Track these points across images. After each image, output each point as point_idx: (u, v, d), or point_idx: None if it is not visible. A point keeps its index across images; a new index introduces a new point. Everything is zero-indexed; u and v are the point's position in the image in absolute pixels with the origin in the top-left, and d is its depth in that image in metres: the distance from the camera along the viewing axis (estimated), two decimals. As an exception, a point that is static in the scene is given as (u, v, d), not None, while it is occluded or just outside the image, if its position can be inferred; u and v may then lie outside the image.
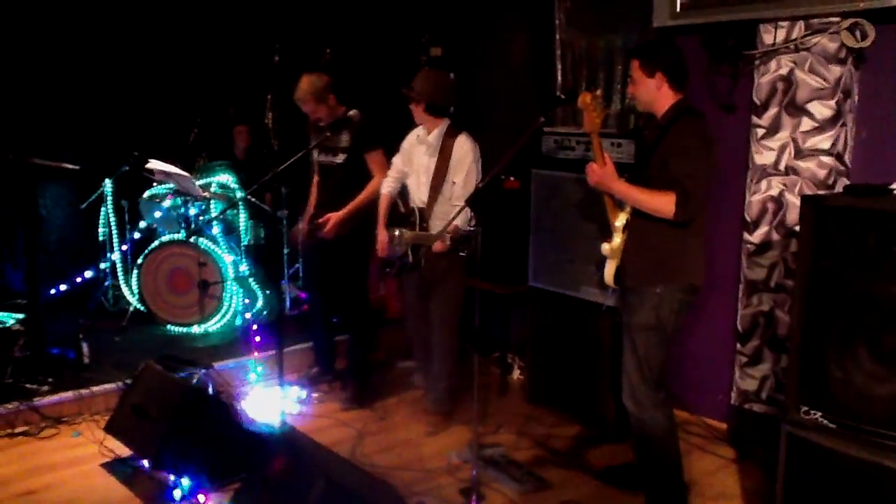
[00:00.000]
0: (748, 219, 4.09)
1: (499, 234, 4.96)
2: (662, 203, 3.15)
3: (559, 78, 5.18)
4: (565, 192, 4.41)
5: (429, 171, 4.21)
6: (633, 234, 3.38)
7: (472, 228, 3.61)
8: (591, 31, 4.99)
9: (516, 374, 5.15)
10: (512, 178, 5.21)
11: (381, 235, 4.33)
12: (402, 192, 4.43)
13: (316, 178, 4.79)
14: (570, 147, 4.46)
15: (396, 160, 4.42)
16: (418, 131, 4.33)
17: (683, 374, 4.42)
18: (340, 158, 4.54)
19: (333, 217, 4.48)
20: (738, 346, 4.18)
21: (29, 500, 3.61)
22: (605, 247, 3.47)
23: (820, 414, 2.79)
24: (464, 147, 4.15)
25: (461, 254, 3.62)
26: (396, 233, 4.20)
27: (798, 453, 2.85)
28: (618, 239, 3.42)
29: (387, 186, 4.42)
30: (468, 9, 5.85)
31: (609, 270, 3.48)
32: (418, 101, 4.15)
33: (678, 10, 4.13)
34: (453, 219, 3.70)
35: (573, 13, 5.07)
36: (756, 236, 4.06)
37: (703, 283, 3.37)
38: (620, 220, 3.41)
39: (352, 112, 4.43)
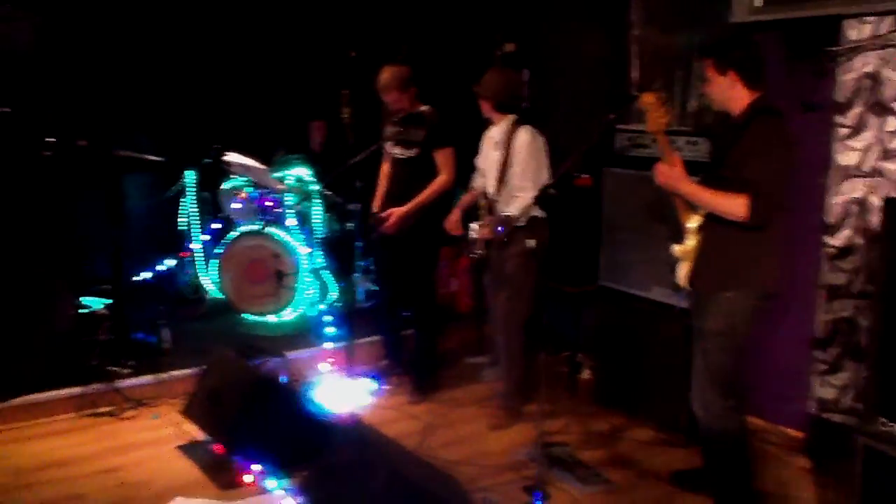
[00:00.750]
0: (829, 222, 3.96)
1: (570, 232, 4.94)
2: (734, 205, 3.08)
3: (634, 75, 5.11)
4: (638, 191, 4.36)
5: (497, 166, 4.28)
6: (705, 237, 3.32)
7: (522, 223, 3.74)
8: (668, 28, 4.91)
9: (586, 373, 5.10)
10: (584, 176, 5.17)
11: (454, 214, 4.48)
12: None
13: (386, 169, 4.84)
14: (643, 145, 4.40)
15: (478, 159, 4.56)
16: (491, 128, 4.41)
17: (760, 382, 4.30)
18: (412, 152, 4.58)
19: (396, 212, 4.54)
20: (818, 353, 4.06)
21: (109, 477, 3.78)
22: (678, 249, 3.42)
23: (898, 426, 2.70)
24: (521, 138, 4.22)
25: (505, 240, 3.78)
26: (473, 226, 4.37)
27: (874, 466, 2.76)
28: (691, 241, 3.37)
29: (475, 181, 4.57)
30: (542, 5, 5.82)
31: (682, 272, 3.43)
32: (486, 99, 4.27)
33: (758, 5, 4.02)
34: (505, 209, 3.86)
35: (650, 9, 4.99)
36: (837, 240, 3.93)
37: (779, 289, 3.29)
38: (693, 222, 3.35)
39: (425, 108, 4.48)
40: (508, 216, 4.10)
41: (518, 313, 4.33)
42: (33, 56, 5.08)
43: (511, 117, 4.30)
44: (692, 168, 3.31)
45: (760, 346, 4.23)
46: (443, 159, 4.51)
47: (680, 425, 4.16)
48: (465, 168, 4.62)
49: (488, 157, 4.40)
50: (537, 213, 4.16)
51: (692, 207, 3.36)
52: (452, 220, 4.49)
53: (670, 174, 3.26)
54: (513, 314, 4.34)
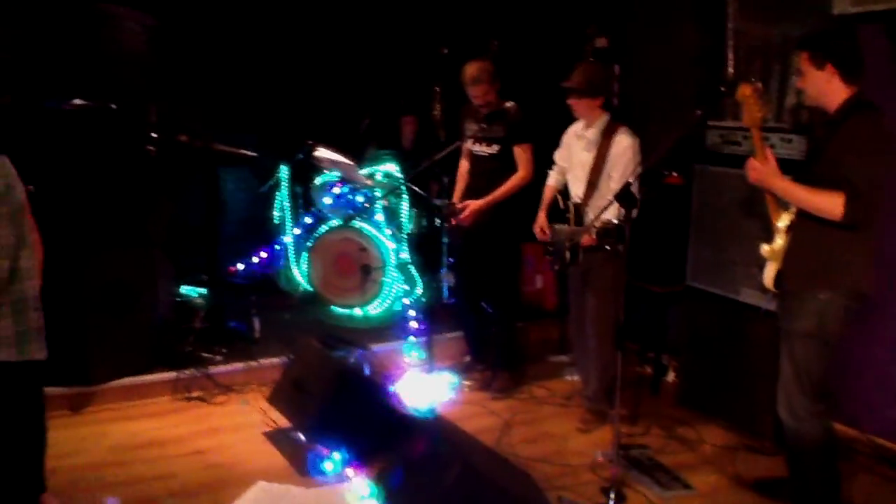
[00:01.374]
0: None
1: (657, 230, 4.85)
2: (829, 203, 2.96)
3: (730, 69, 4.96)
4: (729, 190, 4.24)
5: (586, 167, 4.15)
6: (796, 235, 3.20)
7: (617, 222, 3.52)
8: (767, 21, 4.74)
9: (671, 375, 5.00)
10: (674, 174, 5.06)
11: (540, 219, 4.35)
12: (565, 189, 4.41)
13: (465, 166, 4.86)
14: (735, 142, 4.28)
15: (557, 154, 4.44)
16: (577, 126, 4.30)
17: (852, 388, 4.12)
18: (493, 149, 4.59)
19: (472, 205, 4.55)
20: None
21: (198, 458, 3.95)
22: (766, 248, 3.32)
23: None
24: (623, 143, 4.06)
25: (606, 248, 3.56)
26: (556, 227, 4.22)
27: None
28: (780, 240, 3.26)
29: (552, 178, 4.47)
30: (635, -1, 5.73)
31: (769, 273, 3.33)
32: (585, 95, 4.10)
33: (862, -5, 3.85)
34: (601, 213, 3.66)
35: (746, 2, 4.83)
36: (940, 242, 3.72)
37: (872, 291, 3.14)
38: (783, 221, 3.25)
39: (509, 104, 4.47)
40: (609, 222, 3.63)
41: (611, 317, 4.12)
42: (144, 56, 5.32)
43: (606, 116, 4.17)
44: (786, 166, 3.20)
45: (853, 351, 4.06)
46: (522, 155, 4.49)
47: (766, 431, 4.03)
48: (545, 165, 4.59)
49: (575, 156, 4.29)
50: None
51: (783, 206, 3.25)
52: (540, 223, 4.36)
53: (763, 170, 3.17)
54: (606, 318, 4.18)
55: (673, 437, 4.24)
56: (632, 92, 5.70)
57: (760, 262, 3.41)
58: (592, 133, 4.17)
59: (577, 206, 4.19)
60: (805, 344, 3.18)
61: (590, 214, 4.11)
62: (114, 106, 4.82)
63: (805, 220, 3.13)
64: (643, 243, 4.80)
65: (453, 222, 4.67)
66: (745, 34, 4.87)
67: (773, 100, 4.49)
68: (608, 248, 3.55)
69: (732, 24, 4.92)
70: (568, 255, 4.13)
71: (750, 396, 4.15)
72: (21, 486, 3.21)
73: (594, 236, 3.68)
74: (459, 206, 4.66)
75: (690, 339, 4.57)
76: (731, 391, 4.28)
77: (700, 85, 5.17)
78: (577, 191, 4.24)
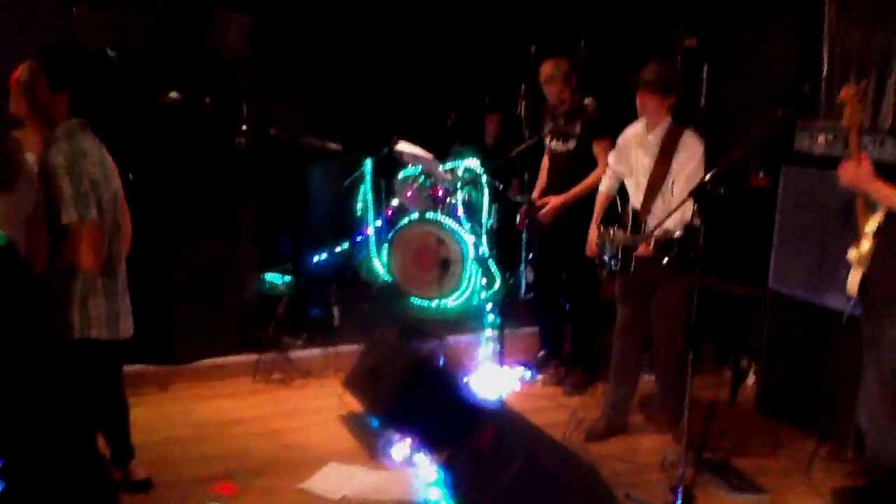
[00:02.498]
0: None
1: (742, 231, 4.75)
2: None
3: (825, 71, 4.82)
4: (817, 192, 4.11)
5: (647, 171, 3.92)
6: (885, 240, 3.11)
7: (680, 234, 3.37)
8: (865, 25, 4.59)
9: (751, 380, 4.88)
10: (762, 175, 4.94)
11: (592, 233, 4.16)
12: (623, 193, 4.21)
13: (546, 163, 4.86)
14: (826, 143, 4.15)
15: (611, 158, 4.22)
16: (635, 128, 4.05)
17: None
18: (571, 145, 4.59)
19: (553, 200, 4.56)
20: None
21: (276, 437, 4.10)
22: (853, 253, 3.24)
23: None
24: (690, 147, 3.82)
25: (664, 261, 3.41)
26: (611, 232, 3.93)
27: None
28: (867, 245, 3.18)
29: (604, 184, 4.27)
30: (726, -1, 5.63)
31: (853, 279, 3.25)
32: (651, 91, 3.85)
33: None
34: (663, 221, 3.54)
35: (845, 5, 4.68)
36: None
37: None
38: (871, 225, 3.16)
39: (587, 100, 4.46)
40: (670, 231, 3.51)
41: (681, 330, 3.94)
42: (242, 54, 5.54)
43: (668, 118, 3.90)
44: (878, 170, 3.11)
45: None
46: (601, 150, 4.45)
47: (847, 440, 3.90)
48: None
49: (635, 160, 4.03)
50: (695, 221, 3.60)
51: (873, 209, 3.17)
52: (592, 239, 4.13)
53: (858, 173, 3.09)
54: (677, 331, 3.98)
55: (749, 442, 4.16)
56: (722, 93, 5.60)
57: (846, 267, 3.32)
58: (655, 136, 3.91)
59: (635, 212, 3.94)
60: (892, 353, 3.08)
61: (649, 223, 3.85)
62: (207, 100, 5.05)
63: (894, 224, 3.04)
64: (727, 243, 4.74)
65: (534, 217, 4.67)
66: (842, 39, 4.73)
67: (870, 104, 4.35)
68: (666, 260, 3.39)
69: (829, 29, 4.78)
70: (616, 262, 3.87)
71: (831, 404, 4.02)
72: (111, 451, 3.42)
73: (651, 246, 3.55)
74: (539, 202, 4.67)
75: (771, 343, 4.45)
76: (813, 398, 4.16)
77: (790, 87, 5.05)
78: (637, 196, 3.99)
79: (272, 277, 5.81)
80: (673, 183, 3.83)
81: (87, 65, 3.26)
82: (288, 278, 5.76)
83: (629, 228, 3.93)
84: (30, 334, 2.73)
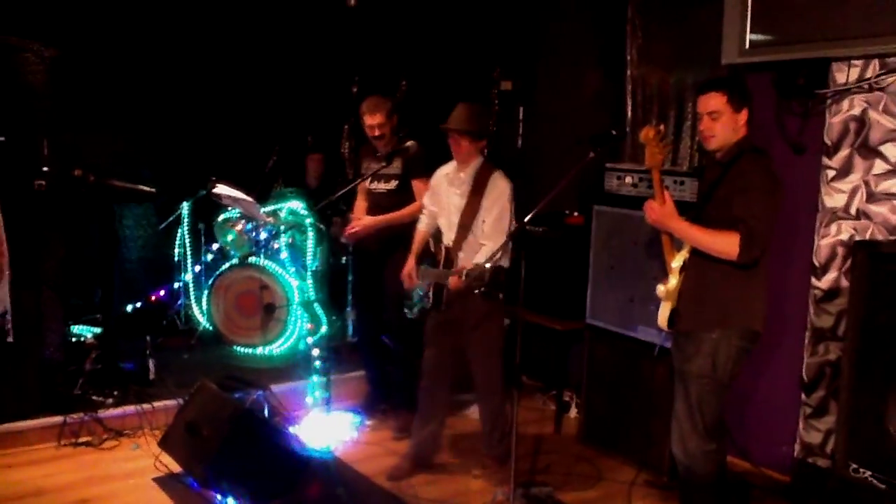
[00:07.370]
0: (816, 264, 3.93)
1: (559, 269, 4.93)
2: (726, 243, 3.05)
3: (629, 114, 5.12)
4: (626, 230, 4.33)
5: (459, 209, 4.02)
6: (690, 275, 3.28)
7: (490, 266, 3.43)
8: (663, 67, 4.92)
9: (573, 412, 5.05)
10: (576, 214, 5.17)
11: (408, 266, 4.19)
12: (435, 232, 4.27)
13: (361, 204, 4.84)
14: (632, 184, 4.39)
15: (426, 199, 4.31)
16: (446, 169, 4.15)
17: (746, 424, 4.25)
18: (391, 185, 4.61)
19: (364, 220, 4.61)
20: (804, 396, 4.00)
21: (82, 509, 3.75)
22: (661, 289, 3.37)
23: (870, 473, 2.63)
24: (499, 186, 3.95)
25: (476, 291, 3.47)
26: (422, 269, 4.07)
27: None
28: (673, 280, 3.32)
29: (422, 222, 4.32)
30: (540, 43, 5.87)
31: (663, 313, 3.38)
32: (470, 136, 3.95)
33: (747, 47, 4.03)
34: (491, 256, 3.56)
35: (645, 49, 5.01)
36: (824, 282, 3.89)
37: (767, 330, 3.24)
38: (677, 262, 3.32)
39: (409, 143, 4.48)
40: (480, 265, 3.55)
41: (498, 367, 4.08)
42: (40, 88, 5.14)
43: (480, 158, 4.05)
44: (679, 207, 3.28)
45: (748, 388, 4.18)
46: (420, 188, 4.48)
47: (662, 467, 4.10)
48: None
49: (446, 199, 4.12)
50: (504, 261, 3.78)
51: (677, 246, 3.32)
52: (408, 269, 4.17)
53: (662, 211, 3.23)
54: (494, 369, 4.08)
55: (573, 474, 4.27)
56: (536, 133, 5.83)
57: (657, 301, 3.48)
58: (467, 174, 4.03)
59: (447, 249, 4.04)
60: (699, 384, 3.24)
61: (462, 259, 3.97)
62: (2, 138, 4.64)
63: (698, 260, 3.21)
64: (545, 281, 4.90)
65: (344, 234, 4.70)
66: (644, 80, 5.05)
67: (670, 143, 4.64)
68: (478, 291, 3.45)
69: (631, 71, 5.09)
70: (431, 298, 4.02)
71: (647, 432, 4.22)
72: None
73: (463, 278, 3.60)
74: (353, 218, 4.69)
75: (591, 375, 4.62)
76: (630, 427, 4.35)
77: (600, 128, 5.32)
78: (449, 234, 4.07)
79: (79, 329, 5.39)
80: (483, 221, 3.95)
81: None
82: (97, 330, 5.35)
83: (441, 264, 4.03)
84: None
